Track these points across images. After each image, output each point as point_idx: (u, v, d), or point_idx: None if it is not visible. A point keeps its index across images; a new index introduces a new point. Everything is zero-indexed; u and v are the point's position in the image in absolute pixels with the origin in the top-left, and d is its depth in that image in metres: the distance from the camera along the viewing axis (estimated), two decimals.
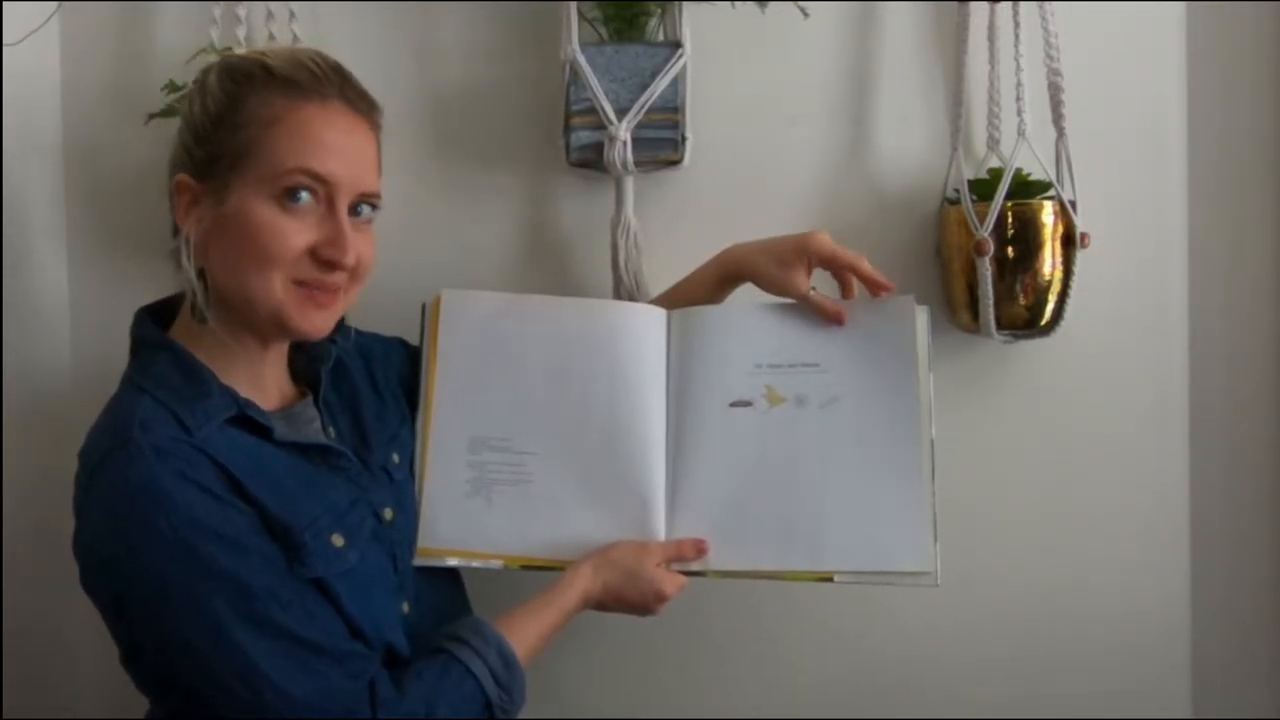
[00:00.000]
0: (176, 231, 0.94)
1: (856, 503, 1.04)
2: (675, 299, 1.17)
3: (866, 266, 1.10)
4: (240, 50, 0.97)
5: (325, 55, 0.95)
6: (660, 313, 1.13)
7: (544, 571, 1.05)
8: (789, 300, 1.11)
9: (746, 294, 1.14)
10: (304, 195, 0.90)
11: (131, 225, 1.30)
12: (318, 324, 0.94)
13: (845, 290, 1.12)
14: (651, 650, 1.31)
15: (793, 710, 1.31)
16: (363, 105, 0.95)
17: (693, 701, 1.32)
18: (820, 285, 1.12)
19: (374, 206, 0.96)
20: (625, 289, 1.23)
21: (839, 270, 1.11)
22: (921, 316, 1.08)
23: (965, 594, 1.29)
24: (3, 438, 1.21)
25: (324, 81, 0.92)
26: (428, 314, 1.11)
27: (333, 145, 0.92)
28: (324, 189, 0.91)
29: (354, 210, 0.94)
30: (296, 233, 0.91)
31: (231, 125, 0.91)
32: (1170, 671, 1.30)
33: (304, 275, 0.92)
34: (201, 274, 0.92)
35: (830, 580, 1.04)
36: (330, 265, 0.92)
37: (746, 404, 1.08)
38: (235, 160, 0.90)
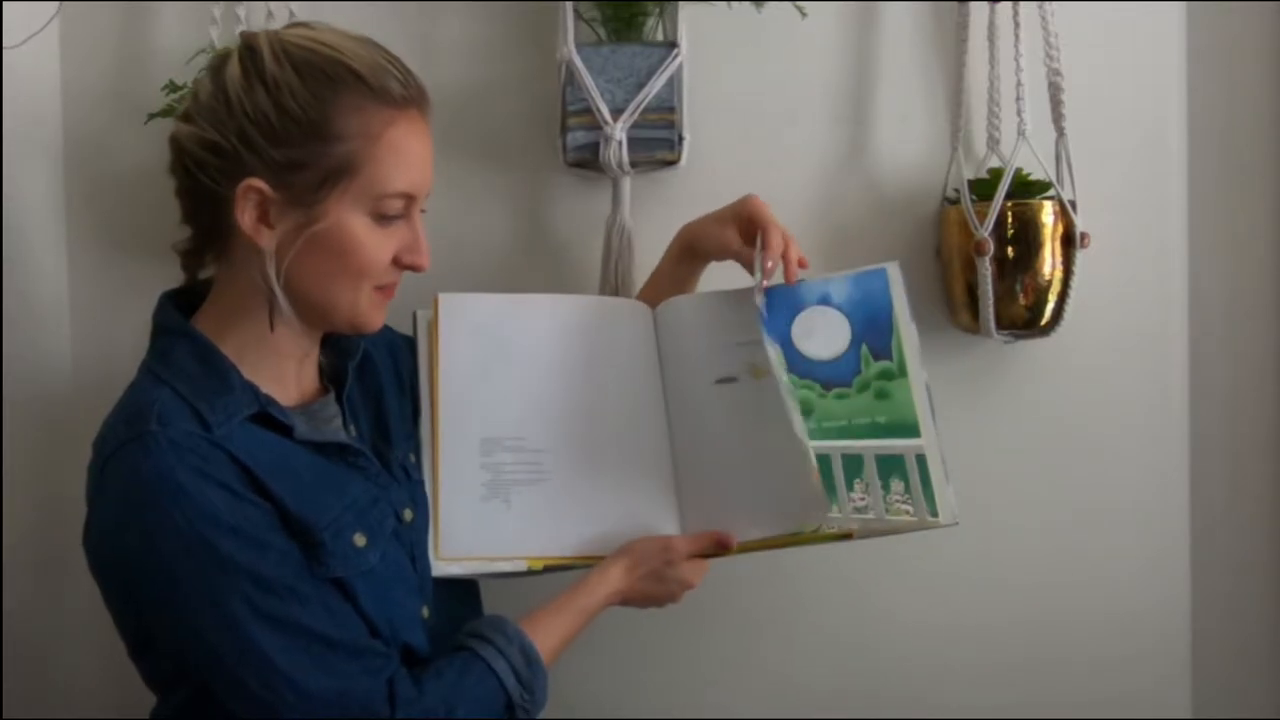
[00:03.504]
0: (203, 224, 0.93)
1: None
2: (649, 290, 1.18)
3: (792, 249, 1.07)
4: (288, 35, 0.92)
5: (384, 48, 0.93)
6: (645, 308, 1.14)
7: (567, 570, 1.05)
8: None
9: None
10: (398, 212, 0.92)
11: (131, 225, 1.30)
12: (381, 320, 0.97)
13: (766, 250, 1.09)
14: (661, 650, 1.31)
15: (792, 710, 1.31)
16: (428, 107, 0.95)
17: (696, 702, 1.32)
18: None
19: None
20: (609, 288, 1.23)
21: (762, 231, 1.08)
22: (894, 270, 1.09)
23: (964, 593, 1.30)
24: (3, 437, 1.21)
25: (408, 88, 0.92)
26: (420, 323, 1.10)
27: (419, 159, 0.93)
28: (410, 202, 0.93)
29: None
30: (386, 246, 0.93)
31: (325, 136, 0.88)
32: (1170, 672, 1.30)
33: (385, 281, 0.95)
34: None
35: (850, 537, 1.03)
36: (408, 269, 0.95)
37: (732, 380, 1.08)
38: (331, 175, 0.89)
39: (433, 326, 1.09)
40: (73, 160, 1.31)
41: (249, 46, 0.91)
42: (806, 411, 1.07)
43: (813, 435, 1.05)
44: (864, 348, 1.08)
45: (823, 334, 1.09)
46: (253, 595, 0.84)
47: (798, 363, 1.08)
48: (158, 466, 0.84)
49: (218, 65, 0.92)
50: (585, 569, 1.04)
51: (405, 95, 0.91)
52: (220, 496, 0.85)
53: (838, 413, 1.07)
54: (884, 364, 1.07)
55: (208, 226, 0.93)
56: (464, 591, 1.09)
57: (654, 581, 1.03)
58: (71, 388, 1.32)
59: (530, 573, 1.06)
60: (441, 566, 1.03)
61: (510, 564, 1.05)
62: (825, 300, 1.09)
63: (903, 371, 1.06)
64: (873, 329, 1.08)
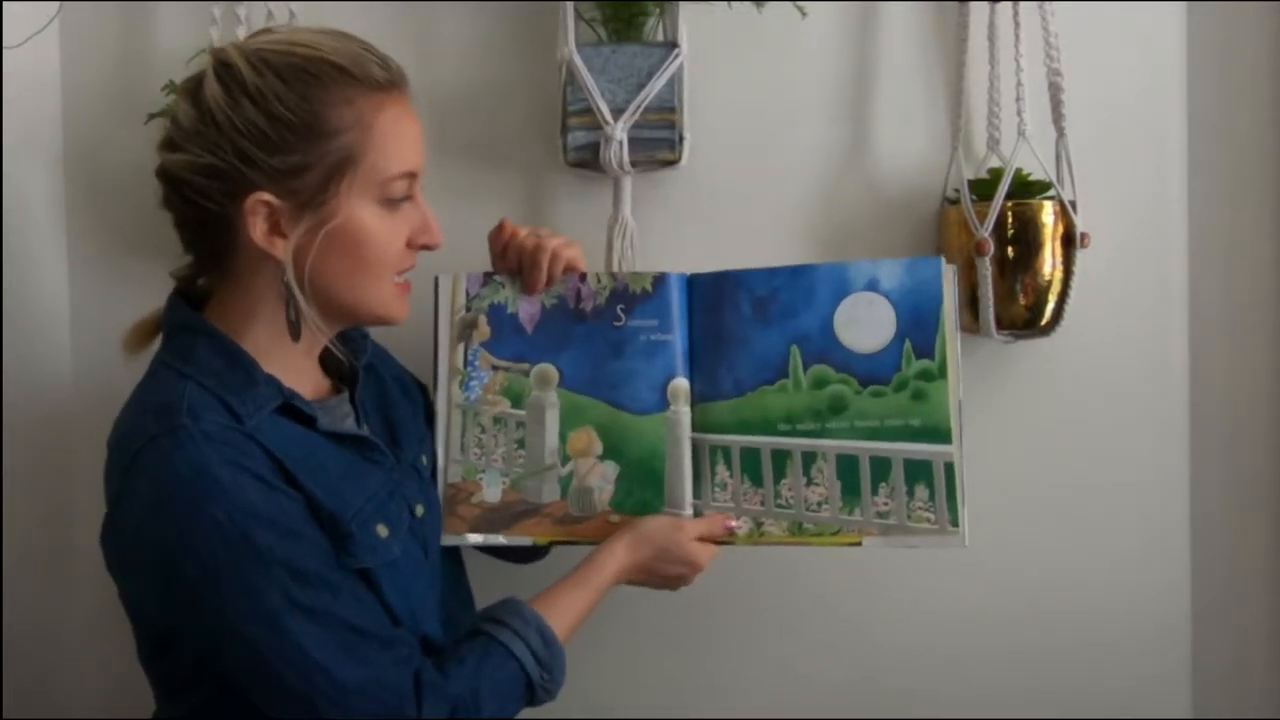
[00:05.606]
0: (209, 248, 0.93)
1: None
2: None
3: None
4: (255, 44, 0.92)
5: (355, 36, 0.94)
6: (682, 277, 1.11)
7: (571, 545, 1.06)
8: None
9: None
10: (404, 194, 0.94)
11: (131, 225, 1.30)
12: (406, 310, 0.98)
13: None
14: (668, 645, 1.31)
15: (797, 704, 1.31)
16: (407, 85, 0.96)
17: (701, 699, 1.32)
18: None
19: None
20: None
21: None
22: (947, 266, 1.05)
23: (964, 593, 1.30)
24: (3, 438, 1.21)
25: (389, 71, 0.93)
26: (442, 289, 1.10)
27: (413, 137, 0.95)
28: (412, 181, 0.95)
29: None
30: (399, 231, 0.94)
31: (322, 133, 0.89)
32: (1170, 671, 1.30)
33: (403, 266, 0.96)
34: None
35: (859, 544, 1.03)
36: (423, 249, 0.97)
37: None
38: (334, 170, 0.89)
39: (451, 303, 1.09)
40: (73, 160, 1.31)
41: (222, 62, 0.90)
42: (840, 408, 1.05)
43: (844, 435, 1.04)
44: (907, 343, 1.04)
45: (867, 324, 1.05)
46: (289, 587, 0.84)
47: (836, 354, 1.05)
48: (192, 459, 0.83)
49: (193, 88, 0.91)
50: (592, 545, 1.05)
51: (389, 78, 0.93)
52: (255, 488, 0.85)
53: (871, 412, 1.04)
54: (925, 363, 1.03)
55: (214, 249, 0.93)
56: (457, 584, 1.10)
57: (660, 560, 1.03)
58: (72, 388, 1.32)
59: (536, 547, 1.07)
60: (452, 538, 1.05)
61: (518, 538, 1.06)
62: (873, 286, 1.05)
63: (943, 373, 1.03)
64: (918, 323, 1.04)
